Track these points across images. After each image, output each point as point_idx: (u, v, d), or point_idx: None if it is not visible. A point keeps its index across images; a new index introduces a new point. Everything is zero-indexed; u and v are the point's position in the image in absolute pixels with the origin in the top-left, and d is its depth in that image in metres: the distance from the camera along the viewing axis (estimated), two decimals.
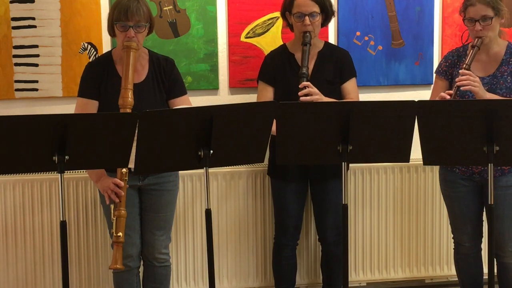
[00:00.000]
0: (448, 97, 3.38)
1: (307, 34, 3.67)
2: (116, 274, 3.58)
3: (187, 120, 2.97)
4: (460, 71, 3.44)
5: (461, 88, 3.38)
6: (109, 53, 3.58)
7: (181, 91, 3.58)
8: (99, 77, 3.47)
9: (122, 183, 3.33)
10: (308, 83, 3.58)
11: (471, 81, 3.38)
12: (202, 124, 2.93)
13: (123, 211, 3.33)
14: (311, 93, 3.55)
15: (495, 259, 3.64)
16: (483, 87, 3.43)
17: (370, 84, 4.33)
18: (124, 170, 3.34)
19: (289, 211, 3.90)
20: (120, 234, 3.31)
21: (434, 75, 3.81)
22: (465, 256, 3.74)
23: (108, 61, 3.52)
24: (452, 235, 3.81)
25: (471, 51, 3.47)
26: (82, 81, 3.52)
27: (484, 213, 3.67)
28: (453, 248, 3.82)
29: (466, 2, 3.51)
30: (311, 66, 3.74)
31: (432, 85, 3.88)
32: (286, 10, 3.77)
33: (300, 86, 3.56)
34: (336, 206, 3.84)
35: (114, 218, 3.32)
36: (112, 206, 3.36)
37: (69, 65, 4.04)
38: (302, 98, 3.53)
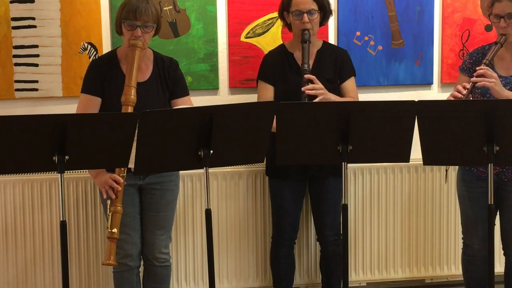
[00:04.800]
0: (464, 91, 3.35)
1: (306, 31, 3.66)
2: (116, 273, 3.58)
3: (187, 120, 2.97)
4: (477, 67, 3.41)
5: (476, 84, 3.35)
6: (114, 52, 3.59)
7: (183, 92, 3.59)
8: (103, 74, 3.48)
9: (120, 179, 3.34)
10: (313, 76, 3.57)
11: (487, 76, 3.34)
12: (202, 124, 2.93)
13: (119, 207, 3.33)
14: (315, 88, 3.55)
15: (504, 258, 3.69)
16: (500, 83, 3.39)
17: (370, 84, 4.33)
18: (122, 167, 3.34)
19: (287, 211, 3.90)
20: (115, 230, 3.30)
21: (459, 72, 3.73)
22: (472, 258, 3.70)
23: (113, 59, 3.53)
24: (461, 236, 3.78)
25: (494, 47, 3.45)
26: (86, 77, 3.53)
27: (497, 216, 3.64)
28: (461, 249, 3.79)
29: None
30: (310, 65, 3.73)
31: (456, 82, 3.79)
32: (284, 10, 3.77)
33: (305, 77, 3.55)
34: (334, 205, 3.84)
35: (110, 214, 3.32)
36: (108, 202, 3.36)
37: (69, 65, 4.04)
38: (307, 92, 3.53)
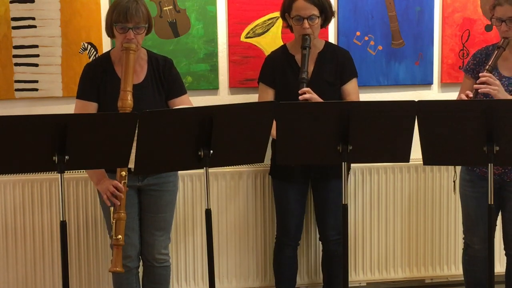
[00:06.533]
0: (467, 99, 3.35)
1: (306, 37, 3.65)
2: (115, 275, 3.57)
3: (187, 120, 2.97)
4: (480, 73, 3.41)
5: (479, 91, 3.35)
6: (107, 54, 3.57)
7: (181, 91, 3.57)
8: (97, 78, 3.46)
9: (122, 186, 3.33)
10: (308, 89, 3.57)
11: (490, 84, 3.34)
12: (202, 124, 2.93)
13: (122, 214, 3.33)
14: (311, 99, 3.54)
15: (506, 258, 3.68)
16: (503, 90, 3.39)
17: (370, 84, 4.33)
18: (123, 173, 3.33)
19: (291, 211, 3.89)
20: (120, 236, 3.30)
21: (463, 73, 3.74)
22: (473, 258, 3.70)
23: (107, 62, 3.51)
24: (463, 236, 3.78)
25: (496, 51, 3.45)
26: (81, 82, 3.51)
27: (499, 216, 3.64)
28: (462, 249, 3.79)
29: (495, 1, 3.47)
30: (311, 67, 3.73)
31: (461, 83, 3.77)
32: (285, 12, 3.76)
33: (299, 92, 3.55)
34: (337, 205, 3.82)
35: (114, 221, 3.32)
36: (111, 209, 3.36)
37: (69, 65, 4.04)
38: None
